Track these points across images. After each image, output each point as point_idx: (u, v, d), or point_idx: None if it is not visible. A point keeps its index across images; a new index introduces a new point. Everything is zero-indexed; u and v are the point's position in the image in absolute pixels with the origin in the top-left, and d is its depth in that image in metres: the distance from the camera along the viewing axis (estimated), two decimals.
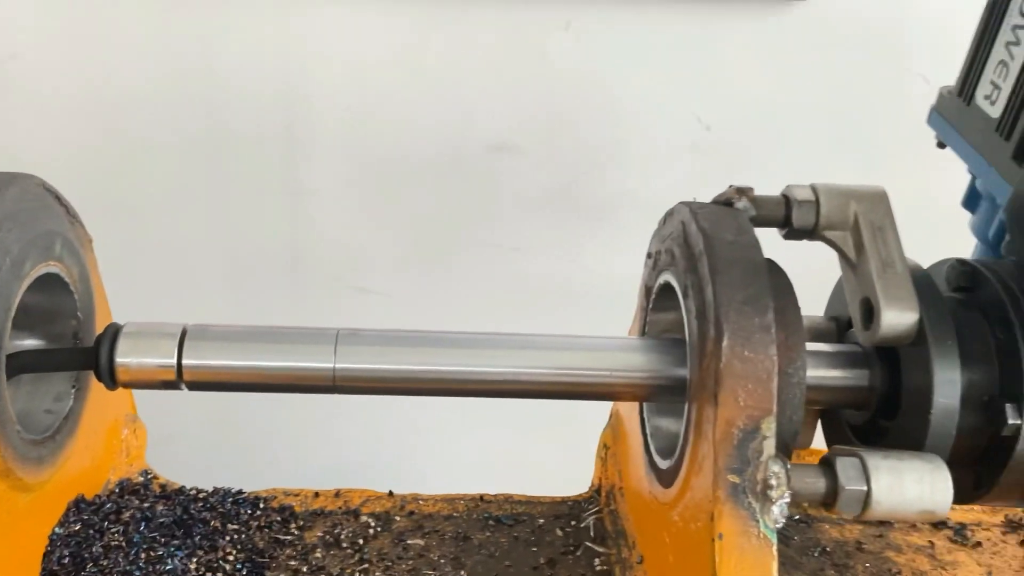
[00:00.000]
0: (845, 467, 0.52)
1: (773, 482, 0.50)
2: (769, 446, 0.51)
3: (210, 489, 0.73)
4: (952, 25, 1.60)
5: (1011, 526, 0.76)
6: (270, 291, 1.72)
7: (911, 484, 0.52)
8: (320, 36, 1.63)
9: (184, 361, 0.57)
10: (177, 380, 0.57)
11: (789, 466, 0.51)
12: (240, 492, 0.73)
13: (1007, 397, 0.55)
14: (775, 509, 0.50)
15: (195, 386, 0.58)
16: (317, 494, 0.74)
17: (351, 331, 0.59)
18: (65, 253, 0.62)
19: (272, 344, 0.58)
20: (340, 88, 1.67)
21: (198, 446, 1.58)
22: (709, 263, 0.53)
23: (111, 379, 0.57)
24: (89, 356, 0.57)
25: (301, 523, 0.71)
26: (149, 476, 0.74)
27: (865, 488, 0.51)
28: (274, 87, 1.65)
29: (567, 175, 1.79)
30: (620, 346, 0.62)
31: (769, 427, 0.51)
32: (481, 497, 0.76)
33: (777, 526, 0.50)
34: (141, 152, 1.69)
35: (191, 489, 0.73)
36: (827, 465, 0.53)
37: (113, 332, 0.57)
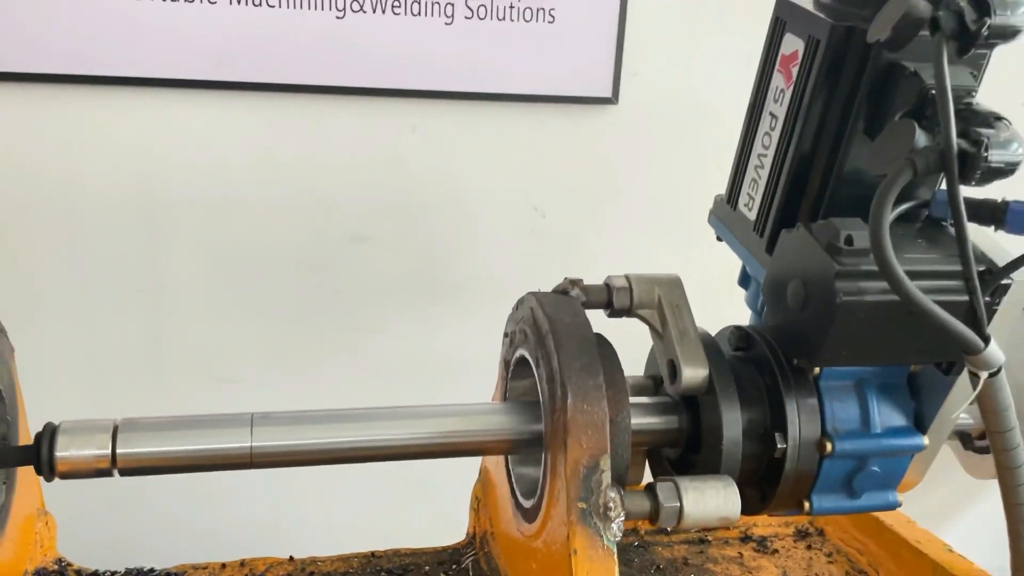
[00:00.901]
0: (664, 490, 0.69)
1: (611, 505, 0.66)
2: (607, 478, 0.66)
3: (122, 570, 0.80)
4: (737, 119, 1.91)
5: (800, 535, 0.96)
6: (134, 387, 1.75)
7: (711, 499, 0.69)
8: (179, 136, 1.71)
9: (118, 451, 0.66)
10: (110, 468, 0.66)
11: (623, 492, 0.67)
12: (152, 570, 0.81)
13: (776, 428, 0.74)
14: (614, 526, 0.65)
15: (127, 472, 0.67)
16: (224, 565, 0.83)
17: (263, 414, 0.70)
18: None
19: (195, 430, 0.69)
20: (200, 186, 1.75)
21: (105, 531, 1.57)
22: (554, 339, 0.69)
23: (51, 472, 0.65)
24: (29, 452, 0.65)
25: None
26: (63, 564, 0.80)
27: (678, 504, 0.68)
28: (133, 186, 1.71)
29: (420, 261, 1.94)
30: (488, 410, 0.76)
31: (606, 463, 0.66)
32: (372, 554, 0.87)
33: (616, 539, 0.66)
34: None
35: (104, 572, 0.80)
36: (651, 490, 0.69)
37: (52, 430, 0.65)
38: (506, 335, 0.83)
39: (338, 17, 1.70)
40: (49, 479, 0.66)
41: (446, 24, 1.76)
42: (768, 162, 0.77)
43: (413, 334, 1.93)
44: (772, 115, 0.76)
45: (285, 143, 1.78)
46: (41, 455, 0.65)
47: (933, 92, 0.63)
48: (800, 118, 0.72)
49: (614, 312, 0.78)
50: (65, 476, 0.66)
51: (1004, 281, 0.66)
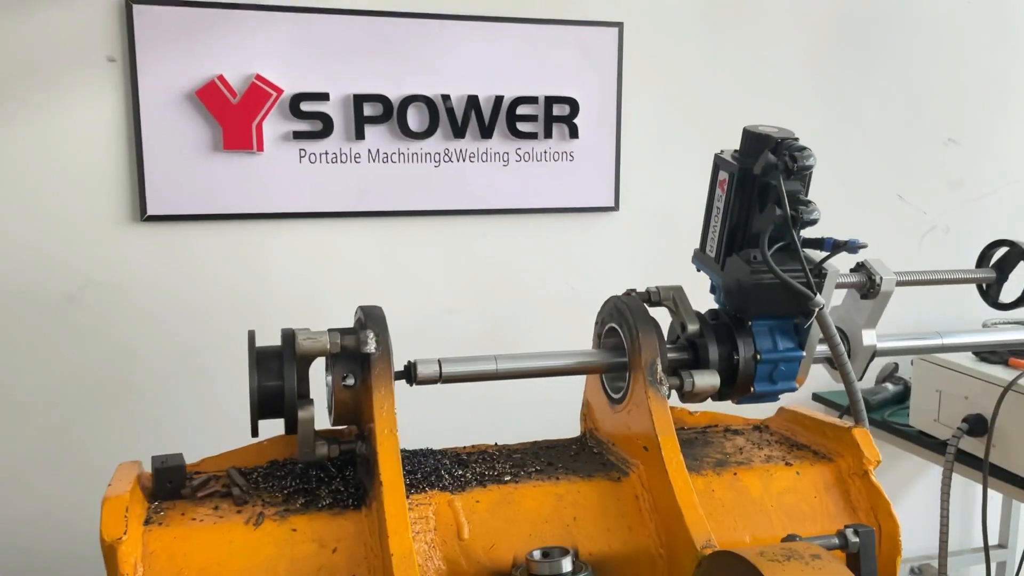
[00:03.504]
0: (685, 375, 1.51)
1: (662, 378, 1.48)
2: (659, 367, 1.49)
3: (414, 448, 1.60)
4: (690, 213, 2.77)
5: (755, 428, 1.77)
6: None
7: (707, 377, 1.51)
8: (332, 249, 2.56)
9: (443, 370, 1.47)
10: (438, 378, 1.47)
11: (667, 375, 1.50)
12: (431, 449, 1.60)
13: (734, 351, 1.57)
14: (664, 388, 1.48)
15: (446, 381, 1.48)
16: (464, 447, 1.63)
17: (500, 354, 1.52)
18: None
19: (472, 361, 1.50)
20: (346, 282, 2.59)
21: None
22: (630, 313, 1.53)
23: (414, 380, 1.46)
24: (404, 373, 1.46)
25: (464, 457, 1.59)
26: None
27: (692, 379, 1.50)
28: (301, 287, 2.55)
29: (489, 327, 2.77)
30: (599, 352, 1.59)
31: (658, 361, 1.49)
32: (534, 442, 1.67)
33: (667, 396, 1.48)
34: (203, 336, 2.50)
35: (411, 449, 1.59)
36: (679, 375, 1.51)
37: (414, 362, 1.47)
38: (597, 322, 1.67)
39: (435, 166, 2.60)
40: (411, 385, 1.47)
41: (503, 166, 2.67)
42: (717, 229, 1.63)
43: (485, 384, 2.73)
44: (717, 207, 1.63)
45: (401, 249, 2.64)
46: (411, 373, 1.46)
47: None
48: (730, 207, 1.59)
49: (651, 304, 1.62)
50: (419, 383, 1.47)
51: (824, 269, 1.52)
